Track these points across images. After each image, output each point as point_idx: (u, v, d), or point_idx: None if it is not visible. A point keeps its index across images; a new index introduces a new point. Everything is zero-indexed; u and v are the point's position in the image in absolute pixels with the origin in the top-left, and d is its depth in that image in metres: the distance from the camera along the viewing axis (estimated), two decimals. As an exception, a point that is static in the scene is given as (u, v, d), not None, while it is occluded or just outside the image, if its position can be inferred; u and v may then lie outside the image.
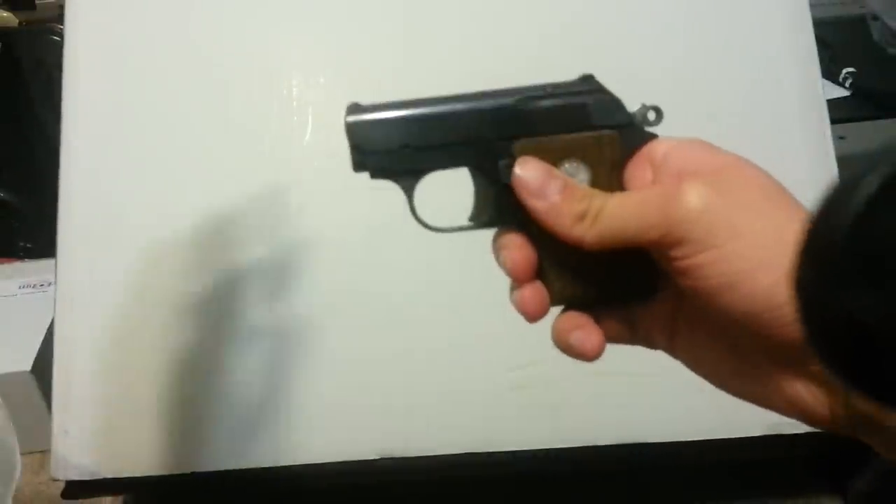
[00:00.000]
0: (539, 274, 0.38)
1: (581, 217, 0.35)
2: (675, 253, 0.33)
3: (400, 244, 0.70)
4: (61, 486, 0.70)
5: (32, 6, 0.96)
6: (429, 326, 0.70)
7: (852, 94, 1.05)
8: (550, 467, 0.71)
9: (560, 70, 0.40)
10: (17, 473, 0.61)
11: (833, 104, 0.76)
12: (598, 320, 0.38)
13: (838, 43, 1.07)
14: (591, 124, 0.38)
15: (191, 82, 0.75)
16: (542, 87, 0.38)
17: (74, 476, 0.69)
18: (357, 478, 0.70)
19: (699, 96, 0.74)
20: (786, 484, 0.73)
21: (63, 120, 0.74)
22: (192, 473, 0.69)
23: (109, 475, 0.70)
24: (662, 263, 0.35)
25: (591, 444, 0.69)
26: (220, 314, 0.71)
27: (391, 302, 0.71)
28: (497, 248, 0.39)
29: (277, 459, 0.69)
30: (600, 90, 0.39)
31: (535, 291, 0.37)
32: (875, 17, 1.14)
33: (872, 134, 0.96)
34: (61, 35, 0.75)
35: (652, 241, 0.34)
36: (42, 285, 0.88)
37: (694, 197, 0.33)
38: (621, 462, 0.69)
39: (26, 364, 0.78)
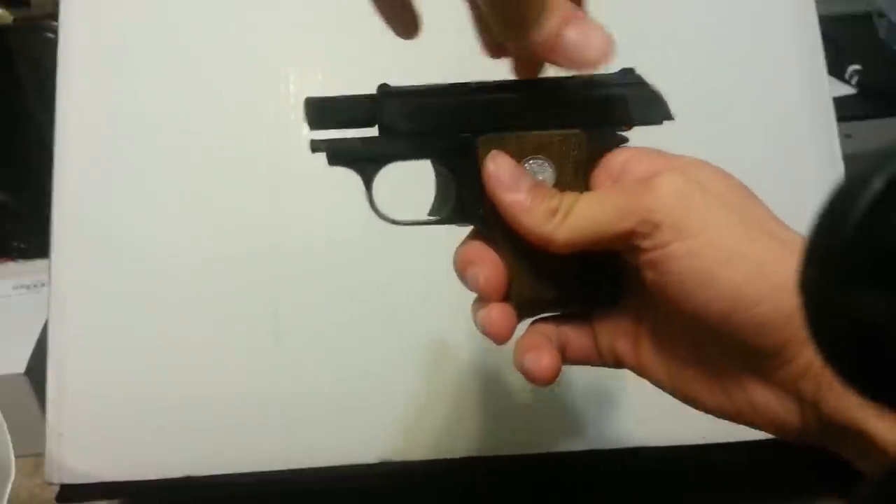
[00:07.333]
0: None
1: (552, 213, 0.34)
2: (648, 243, 0.32)
3: (402, 242, 0.69)
4: (56, 489, 0.69)
5: (27, 2, 0.96)
6: (431, 328, 0.70)
7: (858, 92, 1.05)
8: (554, 471, 0.70)
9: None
10: (12, 476, 0.61)
11: (839, 102, 0.75)
12: (562, 339, 0.38)
13: (844, 40, 1.06)
14: (629, 119, 0.37)
15: (187, 79, 0.74)
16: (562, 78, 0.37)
17: (69, 479, 0.69)
18: (356, 482, 0.69)
19: (704, 94, 0.73)
20: (787, 487, 0.72)
21: (57, 118, 0.73)
22: (188, 477, 0.69)
23: (104, 479, 0.69)
24: (633, 259, 0.34)
25: (594, 448, 0.68)
26: (218, 315, 0.70)
27: (393, 302, 0.70)
28: (463, 261, 0.37)
29: (275, 463, 0.69)
30: (639, 82, 0.40)
31: (503, 312, 0.36)
32: (881, 14, 1.13)
33: (879, 132, 0.95)
34: (56, 32, 0.74)
35: (626, 231, 0.33)
36: (36, 286, 0.87)
37: (668, 184, 0.32)
38: (622, 466, 0.69)
39: (20, 366, 0.77)
